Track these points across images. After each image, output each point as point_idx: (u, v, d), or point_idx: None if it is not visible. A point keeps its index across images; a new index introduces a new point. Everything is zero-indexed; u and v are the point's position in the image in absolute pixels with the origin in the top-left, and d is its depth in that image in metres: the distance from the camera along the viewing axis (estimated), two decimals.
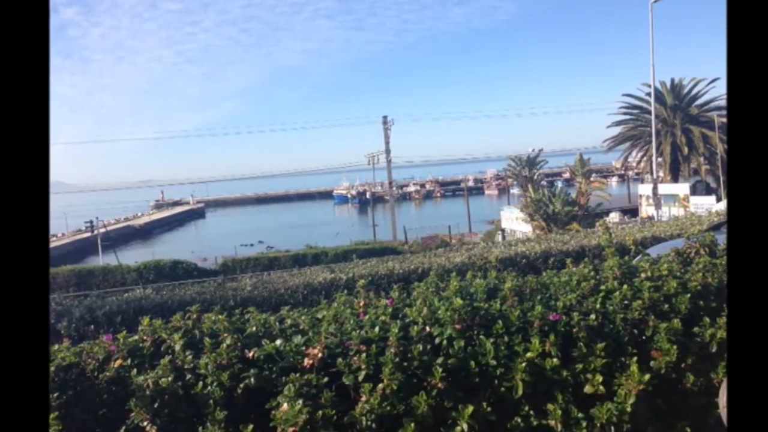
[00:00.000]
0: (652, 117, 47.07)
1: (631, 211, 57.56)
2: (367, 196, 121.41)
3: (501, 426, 3.64)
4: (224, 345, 3.90)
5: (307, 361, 3.77)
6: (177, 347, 4.09)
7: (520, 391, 3.64)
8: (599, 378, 3.74)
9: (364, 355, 3.71)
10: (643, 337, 4.10)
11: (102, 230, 64.21)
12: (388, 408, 3.53)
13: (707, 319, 4.11)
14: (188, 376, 3.85)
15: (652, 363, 3.89)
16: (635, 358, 3.83)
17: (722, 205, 34.37)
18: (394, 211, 70.65)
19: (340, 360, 3.72)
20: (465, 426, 3.47)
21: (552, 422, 3.63)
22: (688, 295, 4.27)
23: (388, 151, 70.47)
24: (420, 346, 3.74)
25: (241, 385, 3.72)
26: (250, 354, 3.89)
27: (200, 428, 3.64)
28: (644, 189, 52.15)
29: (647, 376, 3.68)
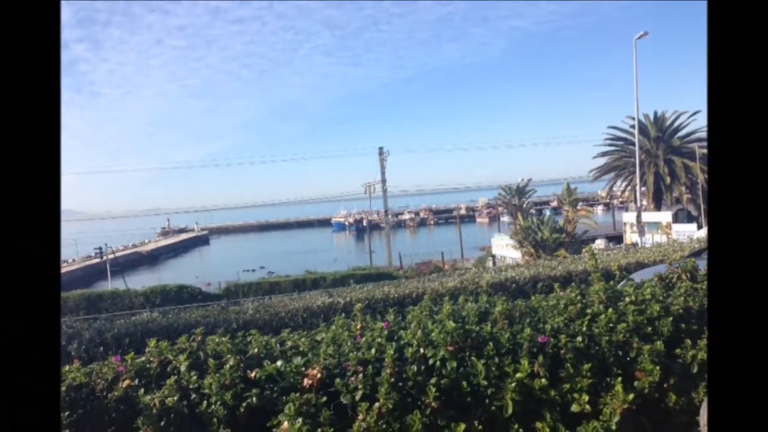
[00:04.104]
0: (636, 148, 47.32)
1: (616, 238, 57.91)
2: (364, 223, 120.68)
3: None
4: (227, 366, 4.03)
5: (306, 381, 3.90)
6: (182, 368, 4.22)
7: (510, 410, 3.77)
8: (585, 397, 3.87)
9: (361, 375, 3.84)
10: (628, 359, 4.24)
11: (111, 256, 64.67)
12: (384, 426, 3.67)
13: (689, 342, 4.27)
14: (193, 396, 3.98)
15: (635, 383, 4.03)
16: (620, 379, 3.97)
17: (703, 232, 34.42)
18: (389, 238, 70.51)
19: (338, 380, 3.85)
20: None
21: None
22: (671, 319, 4.41)
23: (384, 181, 70.52)
24: (414, 367, 3.88)
25: (244, 404, 3.84)
26: (252, 374, 4.02)
27: None
28: (628, 217, 52.19)
29: (631, 396, 3.82)
